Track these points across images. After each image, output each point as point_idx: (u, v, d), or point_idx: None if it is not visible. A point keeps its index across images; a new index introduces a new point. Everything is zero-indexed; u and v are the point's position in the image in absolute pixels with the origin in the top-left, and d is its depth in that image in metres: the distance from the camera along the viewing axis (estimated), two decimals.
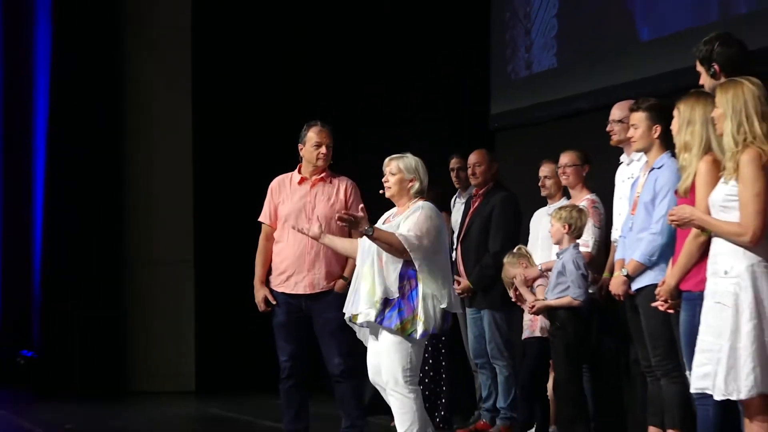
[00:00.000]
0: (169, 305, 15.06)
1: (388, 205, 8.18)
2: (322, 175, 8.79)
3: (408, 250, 7.57)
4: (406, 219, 7.81)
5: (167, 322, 15.05)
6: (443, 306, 7.77)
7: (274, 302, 8.63)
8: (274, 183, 8.90)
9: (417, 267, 7.68)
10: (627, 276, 7.60)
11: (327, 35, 13.82)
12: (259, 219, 8.86)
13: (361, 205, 8.03)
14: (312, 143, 8.70)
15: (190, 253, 14.99)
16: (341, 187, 8.78)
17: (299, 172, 8.86)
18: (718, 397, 6.09)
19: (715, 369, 6.05)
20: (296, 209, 8.68)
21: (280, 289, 8.70)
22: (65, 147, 15.17)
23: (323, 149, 8.68)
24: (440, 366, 9.22)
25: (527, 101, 11.19)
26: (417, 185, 7.89)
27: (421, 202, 7.94)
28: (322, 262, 8.67)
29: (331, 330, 8.56)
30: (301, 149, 8.81)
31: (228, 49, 14.68)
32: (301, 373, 8.78)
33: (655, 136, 7.57)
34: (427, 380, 9.60)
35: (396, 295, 7.73)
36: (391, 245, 7.60)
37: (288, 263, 8.65)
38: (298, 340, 8.74)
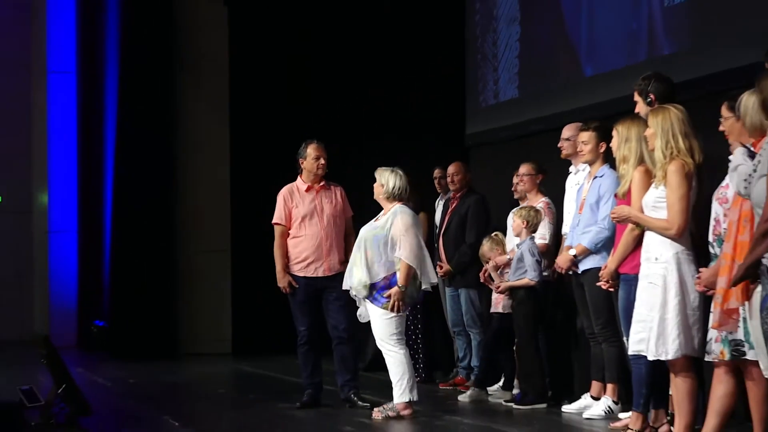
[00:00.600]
0: (211, 286, 15.03)
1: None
2: (322, 183, 8.88)
3: (416, 268, 8.05)
4: (392, 223, 8.14)
5: (209, 299, 15.03)
6: (430, 282, 8.23)
7: (295, 285, 8.69)
8: (285, 192, 8.97)
9: (408, 262, 8.00)
10: (574, 256, 7.73)
11: (336, 69, 13.83)
12: (274, 221, 8.93)
13: None
14: (312, 157, 8.79)
15: (227, 245, 14.98)
16: (336, 192, 8.93)
17: (303, 181, 8.92)
18: (651, 358, 6.21)
19: (648, 336, 6.17)
20: (309, 211, 8.77)
21: (301, 274, 8.75)
22: (130, 159, 15.15)
23: (321, 161, 8.79)
24: (417, 330, 9.17)
25: (494, 124, 11.19)
26: (385, 193, 8.21)
27: (396, 207, 8.23)
28: (335, 252, 8.76)
29: (341, 303, 8.66)
30: (302, 162, 8.88)
31: (258, 74, 14.66)
32: (315, 340, 8.86)
33: (601, 151, 7.64)
34: (410, 342, 9.61)
35: (380, 278, 8.09)
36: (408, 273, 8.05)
37: (308, 253, 8.72)
38: (313, 314, 8.81)
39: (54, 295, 18.07)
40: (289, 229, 8.82)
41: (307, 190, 8.87)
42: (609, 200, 7.36)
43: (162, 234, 15.13)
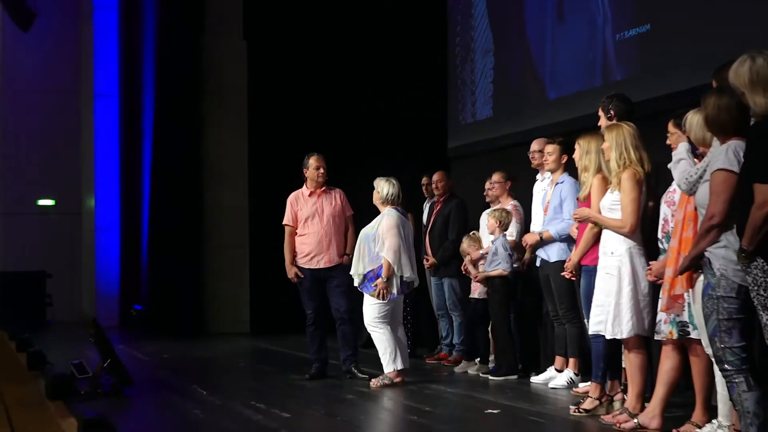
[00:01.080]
0: (232, 275, 14.98)
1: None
2: (323, 188, 8.88)
3: (393, 263, 8.15)
4: (380, 223, 8.30)
5: (231, 287, 14.98)
6: (404, 276, 8.20)
7: (301, 276, 8.69)
8: (292, 197, 9.00)
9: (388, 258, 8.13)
10: (540, 238, 7.85)
11: (338, 93, 13.80)
12: (284, 223, 8.96)
13: None
14: (313, 167, 8.83)
15: (245, 241, 14.94)
16: (336, 195, 8.91)
17: (307, 188, 8.93)
18: (608, 337, 6.17)
19: (605, 318, 6.13)
20: (311, 212, 8.79)
21: (306, 266, 8.77)
22: (163, 169, 15.23)
23: (321, 170, 8.81)
24: (406, 314, 9.12)
25: (472, 139, 11.15)
26: (380, 198, 8.34)
27: (387, 209, 8.33)
28: (334, 246, 8.75)
29: (342, 290, 8.67)
30: (306, 171, 8.91)
31: (271, 98, 14.62)
32: (320, 321, 8.86)
33: (563, 162, 7.66)
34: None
35: (369, 270, 8.23)
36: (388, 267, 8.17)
37: (311, 248, 8.74)
38: (318, 299, 8.80)
39: (99, 283, 18.01)
40: (296, 229, 8.81)
41: (310, 194, 8.88)
42: (570, 202, 7.37)
43: (191, 232, 15.08)
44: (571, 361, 7.88)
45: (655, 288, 5.96)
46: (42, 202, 20.55)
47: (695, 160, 5.12)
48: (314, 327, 8.87)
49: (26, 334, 13.14)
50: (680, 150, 5.16)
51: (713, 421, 5.44)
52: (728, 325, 4.42)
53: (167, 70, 15.31)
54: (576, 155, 6.81)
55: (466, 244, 9.03)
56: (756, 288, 4.14)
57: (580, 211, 6.65)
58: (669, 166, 5.42)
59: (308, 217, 8.78)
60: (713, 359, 5.23)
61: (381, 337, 8.24)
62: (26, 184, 20.16)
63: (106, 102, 18.21)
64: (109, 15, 18.18)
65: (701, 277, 5.02)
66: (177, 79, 15.20)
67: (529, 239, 8.08)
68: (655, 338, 5.90)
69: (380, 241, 8.20)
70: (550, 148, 7.87)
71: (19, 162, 20.20)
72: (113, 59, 18.04)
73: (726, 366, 4.48)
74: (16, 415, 12.63)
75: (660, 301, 5.65)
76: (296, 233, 8.86)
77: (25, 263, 18.37)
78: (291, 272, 8.79)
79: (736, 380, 4.44)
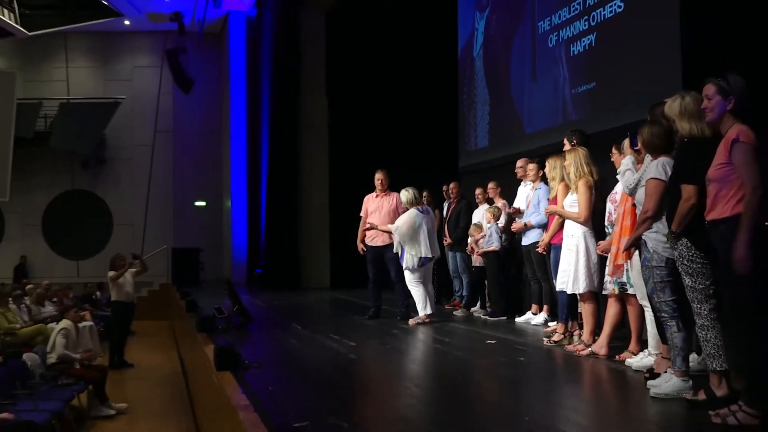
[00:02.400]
0: (318, 249, 14.93)
1: None
2: (385, 192, 8.64)
3: (399, 238, 7.98)
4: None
5: (317, 257, 14.97)
6: (420, 255, 7.93)
7: (365, 250, 8.56)
8: (366, 197, 8.80)
9: (399, 238, 8.01)
10: (525, 225, 7.52)
11: (388, 126, 13.77)
12: (360, 214, 8.75)
13: None
14: (376, 178, 8.68)
15: (327, 226, 14.88)
16: (393, 197, 8.60)
17: (376, 191, 8.69)
18: (569, 292, 5.91)
19: (567, 279, 5.86)
20: (375, 208, 8.58)
21: (370, 243, 8.57)
22: (274, 179, 15.32)
23: (380, 181, 8.65)
24: (433, 277, 8.78)
25: (475, 160, 10.89)
26: (405, 203, 8.10)
27: (410, 210, 8.05)
28: (385, 233, 8.37)
29: (392, 260, 8.31)
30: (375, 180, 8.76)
31: (345, 134, 14.65)
32: (378, 281, 8.62)
33: (540, 175, 7.33)
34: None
35: (399, 250, 8.02)
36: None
37: (373, 233, 8.50)
38: (377, 266, 8.54)
39: (233, 256, 18.14)
40: (367, 218, 8.61)
41: (376, 196, 8.67)
42: (544, 201, 7.04)
43: (291, 222, 15.11)
44: (545, 307, 7.58)
45: (602, 259, 5.66)
46: (198, 203, 20.84)
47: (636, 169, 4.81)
48: (373, 285, 8.62)
49: (186, 289, 13.24)
50: (626, 163, 4.84)
51: (644, 350, 5.14)
52: (661, 285, 4.19)
53: (277, 117, 15.42)
54: (547, 170, 6.57)
55: (472, 230, 8.74)
56: (681, 259, 3.89)
57: (551, 208, 6.39)
58: (617, 176, 5.11)
59: (373, 211, 8.58)
60: (646, 309, 4.98)
61: (417, 291, 8.00)
62: (189, 193, 20.62)
63: (238, 139, 18.46)
64: (240, 83, 18.36)
65: (637, 252, 4.85)
66: (283, 123, 15.26)
67: (516, 227, 7.74)
68: (603, 293, 5.62)
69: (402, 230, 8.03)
70: (531, 166, 7.62)
71: (184, 179, 20.65)
72: (242, 111, 18.26)
73: (662, 314, 4.25)
74: (179, 340, 12.59)
75: (607, 268, 5.40)
76: (367, 221, 8.68)
77: (188, 243, 18.60)
78: (360, 247, 8.63)
79: (670, 324, 4.20)
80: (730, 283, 3.45)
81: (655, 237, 4.18)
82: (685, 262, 3.84)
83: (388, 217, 8.41)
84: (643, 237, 4.28)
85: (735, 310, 3.45)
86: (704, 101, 3.64)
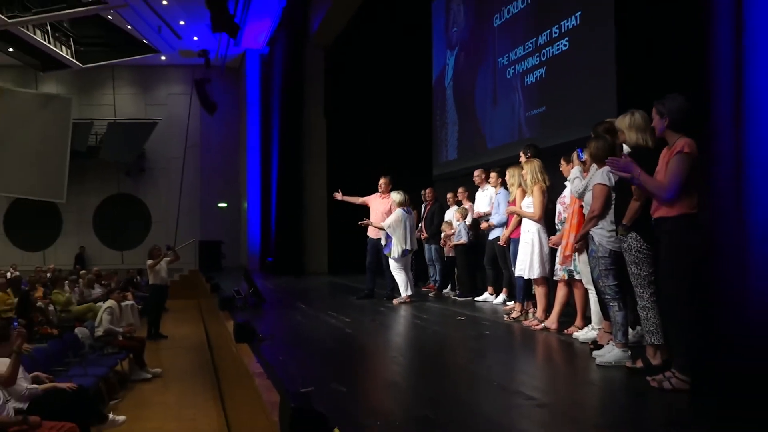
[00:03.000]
0: (319, 240, 14.80)
1: None
2: (385, 194, 8.29)
3: (389, 232, 7.75)
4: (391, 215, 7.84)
5: (317, 246, 14.78)
6: (403, 247, 7.74)
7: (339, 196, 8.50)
8: (374, 195, 8.45)
9: (389, 233, 7.76)
10: (488, 225, 7.28)
11: (376, 145, 13.50)
12: (362, 200, 8.51)
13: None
14: (381, 183, 8.35)
15: (325, 221, 14.69)
16: (389, 200, 8.13)
17: (379, 192, 8.39)
18: (526, 277, 5.77)
19: (524, 266, 5.69)
20: (374, 207, 8.29)
21: (370, 236, 8.29)
22: (283, 182, 15.04)
23: (381, 185, 8.35)
24: (412, 264, 8.56)
25: (447, 170, 10.71)
26: (396, 203, 7.81)
27: (397, 209, 7.82)
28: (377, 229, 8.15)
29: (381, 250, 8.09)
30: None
31: (339, 146, 14.51)
32: (372, 267, 8.38)
33: (500, 182, 7.12)
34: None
35: (387, 241, 7.76)
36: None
37: (370, 228, 8.23)
38: (373, 255, 8.29)
39: (249, 247, 17.92)
40: (366, 207, 8.43)
41: (378, 196, 8.39)
42: (504, 203, 6.83)
43: (296, 218, 14.84)
44: (504, 290, 7.37)
45: (552, 250, 5.52)
46: (221, 204, 20.60)
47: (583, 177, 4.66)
48: (369, 270, 8.39)
49: (210, 274, 13.02)
50: (575, 172, 4.71)
51: (588, 325, 5.01)
52: (605, 272, 4.05)
53: (284, 134, 15.17)
54: (507, 177, 6.37)
55: (444, 226, 8.52)
56: (630, 250, 3.73)
57: (510, 208, 6.20)
58: (566, 182, 4.99)
59: (373, 209, 8.31)
60: (590, 291, 4.85)
61: (400, 276, 7.79)
62: (214, 195, 20.50)
63: (253, 152, 18.17)
64: (254, 106, 18.21)
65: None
66: (289, 138, 15.02)
67: (483, 226, 7.51)
68: (554, 278, 5.45)
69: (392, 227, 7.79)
70: (493, 174, 7.41)
71: (209, 184, 20.39)
72: (256, 129, 18.03)
73: (606, 296, 4.10)
74: (205, 316, 12.34)
75: (557, 258, 5.24)
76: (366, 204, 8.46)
77: (212, 236, 18.43)
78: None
79: (612, 304, 4.06)
80: (670, 271, 3.32)
81: (601, 233, 4.05)
82: (634, 253, 3.70)
83: (382, 217, 8.15)
84: (591, 233, 4.14)
85: (672, 294, 3.31)
86: (653, 119, 3.50)
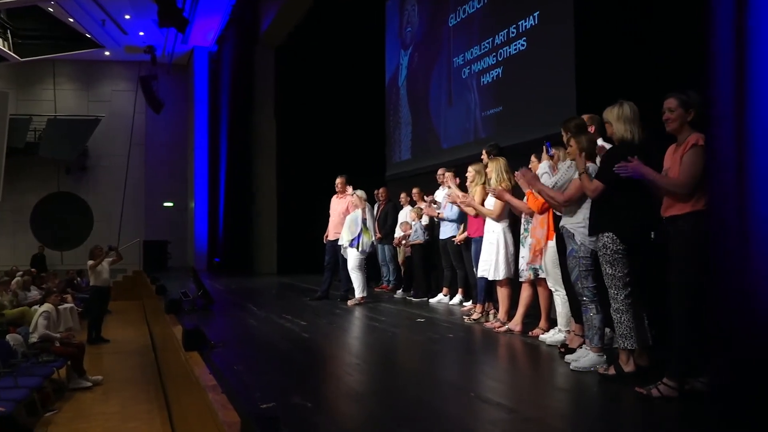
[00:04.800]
0: (268, 241, 14.22)
1: None
2: (342, 194, 7.90)
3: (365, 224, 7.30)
4: (367, 212, 7.39)
5: (266, 247, 14.19)
6: (371, 241, 7.40)
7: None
8: (333, 198, 8.05)
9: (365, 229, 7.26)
10: (438, 215, 7.10)
11: (328, 144, 13.12)
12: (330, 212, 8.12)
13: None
14: (337, 182, 7.94)
15: (275, 225, 14.14)
16: (347, 200, 7.78)
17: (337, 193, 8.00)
18: (490, 278, 5.39)
19: (489, 267, 5.34)
20: (333, 207, 7.91)
21: (330, 238, 7.86)
22: (231, 181, 14.53)
23: (339, 185, 7.91)
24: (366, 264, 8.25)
25: (400, 170, 10.38)
26: (361, 201, 7.33)
27: (367, 205, 7.41)
28: (341, 227, 7.58)
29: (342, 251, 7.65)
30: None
31: (289, 146, 13.97)
32: (331, 268, 7.86)
33: (458, 182, 6.68)
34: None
35: (354, 237, 7.23)
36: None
37: (331, 229, 7.84)
38: (332, 256, 7.80)
39: (196, 247, 17.24)
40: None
41: (336, 197, 8.01)
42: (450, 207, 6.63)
43: (245, 217, 14.29)
44: (460, 290, 7.10)
45: (516, 252, 5.25)
46: (166, 204, 19.78)
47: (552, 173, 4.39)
48: (327, 270, 7.90)
49: (156, 275, 12.33)
50: (543, 167, 4.46)
51: (555, 327, 4.73)
52: (585, 273, 3.74)
53: (233, 133, 14.70)
54: (468, 175, 6.03)
55: (403, 226, 8.16)
56: (604, 250, 3.46)
57: (468, 200, 5.81)
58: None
59: (334, 209, 7.90)
60: (556, 293, 4.59)
61: (357, 276, 7.30)
62: (159, 195, 19.69)
63: (201, 151, 17.51)
64: (203, 105, 17.57)
65: (550, 243, 4.50)
66: (238, 138, 14.51)
67: (430, 212, 7.31)
68: (520, 280, 5.13)
69: (360, 221, 7.29)
70: (448, 174, 6.85)
71: (155, 183, 19.61)
72: (204, 128, 17.42)
73: (584, 298, 3.78)
74: (150, 318, 11.62)
75: (529, 257, 4.86)
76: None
77: (158, 236, 17.74)
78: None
79: (590, 306, 3.76)
80: (683, 271, 3.00)
81: (583, 231, 3.74)
82: (608, 253, 3.43)
83: (340, 217, 7.72)
84: (570, 230, 3.83)
85: (683, 296, 3.00)
86: (666, 113, 3.18)
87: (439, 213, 7.07)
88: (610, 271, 3.43)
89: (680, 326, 2.90)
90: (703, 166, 2.91)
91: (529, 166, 4.87)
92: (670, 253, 3.03)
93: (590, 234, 3.59)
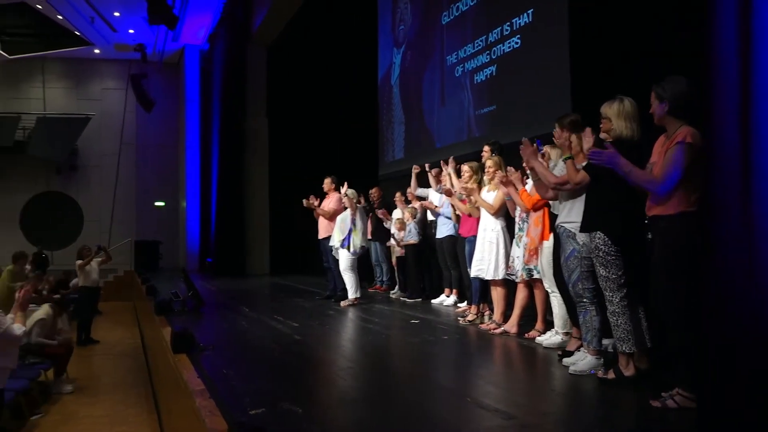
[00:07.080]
0: (260, 241, 14.15)
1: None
2: (330, 192, 7.88)
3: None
4: (359, 212, 7.34)
5: (259, 246, 14.15)
6: (362, 244, 7.26)
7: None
8: (326, 199, 8.01)
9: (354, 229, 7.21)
10: (435, 207, 7.08)
11: (321, 145, 13.04)
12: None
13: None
14: (325, 182, 7.92)
15: (267, 222, 14.06)
16: (333, 198, 7.82)
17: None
18: (487, 278, 5.32)
19: (485, 267, 5.28)
20: (325, 206, 7.82)
21: (321, 237, 7.85)
22: (223, 181, 14.32)
23: (326, 185, 7.91)
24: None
25: (392, 170, 10.27)
26: (348, 201, 7.22)
27: (358, 206, 7.37)
28: (330, 226, 7.61)
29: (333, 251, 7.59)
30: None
31: (281, 146, 13.96)
32: (333, 267, 7.73)
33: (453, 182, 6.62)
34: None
35: (344, 236, 7.19)
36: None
37: (324, 229, 7.81)
38: (329, 255, 7.68)
39: (188, 247, 17.06)
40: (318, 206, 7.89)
41: (325, 197, 8.00)
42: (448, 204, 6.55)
43: (237, 217, 14.10)
44: (455, 291, 7.03)
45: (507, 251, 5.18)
46: (157, 203, 19.58)
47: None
48: (329, 271, 7.88)
49: (147, 275, 12.20)
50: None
51: (552, 329, 4.64)
52: (586, 274, 3.64)
53: (225, 132, 14.47)
54: (464, 174, 5.91)
55: (397, 223, 8.05)
56: (597, 251, 3.37)
57: (468, 188, 5.63)
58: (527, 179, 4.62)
59: (321, 207, 7.85)
60: (552, 294, 4.51)
61: (350, 276, 7.24)
62: (150, 194, 19.48)
63: (192, 150, 17.33)
64: (194, 104, 17.41)
65: (546, 244, 4.44)
66: (230, 137, 14.30)
67: (426, 204, 7.26)
68: (516, 281, 5.04)
69: (350, 221, 7.21)
70: (444, 174, 6.86)
71: (146, 183, 19.39)
72: (195, 127, 17.27)
73: (584, 300, 3.69)
74: (140, 319, 11.48)
75: (525, 257, 4.78)
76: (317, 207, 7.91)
77: (149, 236, 17.55)
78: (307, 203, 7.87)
79: (590, 308, 3.67)
80: (663, 275, 2.92)
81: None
82: (601, 255, 3.33)
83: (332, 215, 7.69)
84: (571, 230, 3.72)
85: (666, 299, 2.93)
86: (652, 105, 3.08)
87: (436, 207, 7.00)
88: (604, 273, 3.34)
89: (679, 333, 2.81)
90: (688, 165, 2.82)
91: (542, 152, 4.76)
92: (652, 256, 2.94)
93: (581, 230, 3.50)
